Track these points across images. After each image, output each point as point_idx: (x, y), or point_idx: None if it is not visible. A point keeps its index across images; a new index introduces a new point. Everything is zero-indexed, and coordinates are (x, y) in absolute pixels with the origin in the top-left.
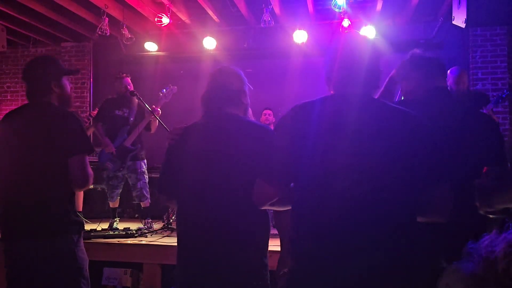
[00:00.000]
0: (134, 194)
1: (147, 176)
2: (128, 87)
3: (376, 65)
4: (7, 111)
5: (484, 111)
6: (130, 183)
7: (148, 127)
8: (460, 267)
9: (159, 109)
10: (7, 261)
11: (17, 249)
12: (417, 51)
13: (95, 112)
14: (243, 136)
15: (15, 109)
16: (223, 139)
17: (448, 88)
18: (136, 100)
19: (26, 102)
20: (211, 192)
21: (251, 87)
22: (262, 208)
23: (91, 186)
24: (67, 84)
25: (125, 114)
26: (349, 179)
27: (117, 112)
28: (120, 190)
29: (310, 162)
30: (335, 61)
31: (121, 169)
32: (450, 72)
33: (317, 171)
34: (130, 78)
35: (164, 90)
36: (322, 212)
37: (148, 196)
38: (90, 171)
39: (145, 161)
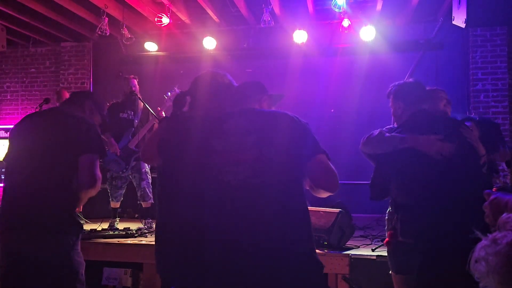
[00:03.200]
0: (138, 194)
1: (150, 176)
2: (133, 88)
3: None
4: (7, 111)
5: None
6: (135, 183)
7: (151, 130)
8: (496, 237)
9: (163, 113)
10: (2, 259)
11: (13, 247)
12: (395, 84)
13: None
14: None
15: (35, 112)
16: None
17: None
18: (141, 102)
19: (26, 102)
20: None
21: None
22: None
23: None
24: (97, 114)
25: (130, 116)
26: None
27: (121, 114)
28: (124, 191)
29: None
30: None
31: (125, 170)
32: None
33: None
34: (137, 80)
35: (169, 93)
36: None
37: (151, 196)
38: (99, 173)
39: None
